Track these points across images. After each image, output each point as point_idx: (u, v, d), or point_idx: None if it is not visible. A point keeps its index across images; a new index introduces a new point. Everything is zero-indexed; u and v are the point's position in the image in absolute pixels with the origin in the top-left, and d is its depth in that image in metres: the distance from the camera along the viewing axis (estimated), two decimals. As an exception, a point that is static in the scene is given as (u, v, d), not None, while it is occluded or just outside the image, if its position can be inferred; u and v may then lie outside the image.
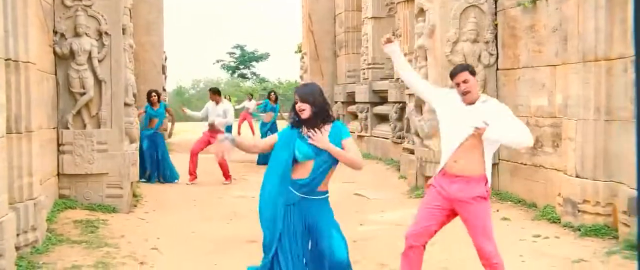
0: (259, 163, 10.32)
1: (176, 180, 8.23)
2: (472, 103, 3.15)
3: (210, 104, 8.70)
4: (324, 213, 2.82)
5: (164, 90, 13.69)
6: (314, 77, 14.00)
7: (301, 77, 15.60)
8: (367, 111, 11.45)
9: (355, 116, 12.29)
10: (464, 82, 3.13)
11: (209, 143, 8.34)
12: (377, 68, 11.45)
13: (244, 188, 7.97)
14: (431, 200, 3.16)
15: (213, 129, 8.22)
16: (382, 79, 11.27)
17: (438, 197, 3.14)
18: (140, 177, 8.05)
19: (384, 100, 10.90)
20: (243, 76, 40.53)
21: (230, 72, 40.15)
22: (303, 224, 2.79)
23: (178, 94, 37.47)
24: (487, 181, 3.08)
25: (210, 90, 8.80)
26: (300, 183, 2.81)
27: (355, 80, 12.59)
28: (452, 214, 3.16)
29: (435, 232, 3.17)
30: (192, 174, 8.36)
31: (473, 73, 3.16)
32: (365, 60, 11.72)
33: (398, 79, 9.69)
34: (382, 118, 11.09)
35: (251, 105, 17.94)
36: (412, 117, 7.31)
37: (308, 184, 2.81)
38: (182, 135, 14.39)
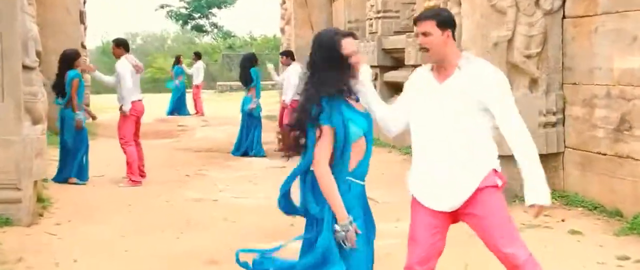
0: (239, 152, 10.44)
1: (84, 182, 8.00)
2: (443, 73, 3.24)
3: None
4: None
5: (84, 47, 13.44)
6: (300, 31, 13.86)
7: (282, 30, 15.43)
8: (375, 79, 11.49)
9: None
10: (424, 34, 3.21)
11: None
12: (390, 17, 11.46)
13: (202, 188, 7.97)
14: (425, 212, 3.28)
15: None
16: (396, 33, 11.26)
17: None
18: (59, 176, 7.95)
19: (399, 64, 10.91)
20: (199, 29, 40.18)
21: (181, 22, 39.75)
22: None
23: (104, 53, 36.96)
24: (496, 171, 3.24)
25: (113, 42, 8.34)
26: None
27: (359, 34, 12.54)
28: (453, 220, 3.33)
29: (443, 247, 3.31)
30: None
31: (445, 25, 3.21)
32: (373, 6, 11.73)
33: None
34: (397, 88, 11.04)
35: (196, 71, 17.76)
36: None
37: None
38: (105, 114, 14.18)
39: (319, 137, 2.99)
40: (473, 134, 3.18)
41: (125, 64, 8.03)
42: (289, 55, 10.98)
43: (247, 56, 10.97)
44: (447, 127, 3.18)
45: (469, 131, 3.17)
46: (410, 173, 3.36)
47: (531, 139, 3.24)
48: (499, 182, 3.22)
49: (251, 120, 10.49)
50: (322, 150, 2.99)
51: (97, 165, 8.56)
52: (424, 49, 3.25)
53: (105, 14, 48.00)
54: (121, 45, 8.21)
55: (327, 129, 2.98)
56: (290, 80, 10.08)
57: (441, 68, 3.26)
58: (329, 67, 3.02)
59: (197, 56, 18.40)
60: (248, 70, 10.37)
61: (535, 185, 3.18)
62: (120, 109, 8.06)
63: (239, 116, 10.78)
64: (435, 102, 3.21)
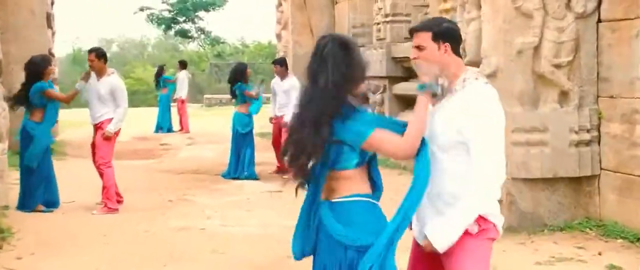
0: (230, 175, 10.45)
1: (51, 209, 7.97)
2: (437, 93, 3.21)
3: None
4: None
5: (52, 55, 13.42)
6: (299, 36, 13.86)
7: (278, 35, 15.43)
8: (383, 91, 11.49)
9: (364, 99, 12.19)
10: (418, 48, 3.20)
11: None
12: (400, 22, 11.46)
13: (187, 215, 7.94)
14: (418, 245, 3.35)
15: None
16: (407, 39, 11.13)
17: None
18: (23, 204, 7.89)
19: (410, 74, 10.92)
20: (184, 34, 40.23)
21: (163, 27, 39.84)
22: None
23: (75, 61, 37.08)
24: (482, 217, 3.14)
25: (90, 52, 8.25)
26: None
27: (365, 41, 12.61)
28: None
29: None
30: None
31: (443, 37, 3.18)
32: (380, 9, 11.74)
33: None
34: (409, 102, 11.03)
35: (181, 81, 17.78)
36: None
37: None
38: (74, 131, 14.19)
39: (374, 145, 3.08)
40: (461, 169, 3.12)
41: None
42: (283, 64, 10.94)
43: (235, 69, 10.99)
44: (439, 157, 3.16)
45: (457, 165, 3.13)
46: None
47: (484, 194, 3.10)
48: (474, 229, 3.12)
49: (243, 138, 10.47)
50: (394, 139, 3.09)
51: (67, 189, 8.52)
52: (416, 63, 3.24)
53: (76, 17, 48.20)
54: (103, 57, 8.22)
55: (377, 132, 3.08)
56: (290, 95, 10.04)
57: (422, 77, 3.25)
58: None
59: (182, 65, 18.39)
60: (232, 85, 10.43)
61: (444, 229, 3.10)
62: (98, 127, 8.04)
63: (230, 133, 10.77)
64: (431, 126, 3.19)
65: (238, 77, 10.52)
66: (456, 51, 3.20)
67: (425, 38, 3.17)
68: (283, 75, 10.70)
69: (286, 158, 3.15)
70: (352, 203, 3.11)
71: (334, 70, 3.07)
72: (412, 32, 3.26)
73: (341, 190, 3.13)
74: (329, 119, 3.03)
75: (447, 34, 3.18)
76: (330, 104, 3.03)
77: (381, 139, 3.05)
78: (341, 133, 3.05)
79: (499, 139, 3.10)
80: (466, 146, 3.08)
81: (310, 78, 3.11)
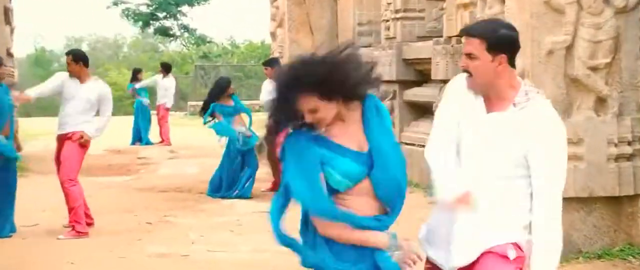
0: (214, 194, 10.52)
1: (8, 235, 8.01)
2: (494, 103, 3.25)
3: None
4: None
5: (10, 55, 13.43)
6: (296, 35, 13.87)
7: (272, 34, 15.48)
8: (393, 97, 11.52)
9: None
10: (468, 56, 3.23)
11: None
12: (412, 19, 11.52)
13: (168, 239, 7.96)
14: None
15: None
16: (420, 38, 11.30)
17: None
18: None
19: (424, 78, 10.98)
20: (165, 32, 40.37)
21: (141, 24, 39.96)
22: None
23: (37, 62, 37.22)
24: (517, 245, 3.25)
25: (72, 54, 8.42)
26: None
27: (372, 40, 12.63)
28: None
29: None
30: None
31: (499, 48, 3.19)
32: (390, 4, 11.78)
33: (451, 38, 9.63)
34: (422, 109, 11.10)
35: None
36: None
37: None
38: (37, 143, 14.22)
39: None
40: (511, 189, 3.22)
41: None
42: (275, 66, 10.85)
43: (219, 81, 11.16)
44: (484, 172, 3.22)
45: (507, 184, 3.22)
46: (428, 222, 3.44)
47: (559, 229, 3.25)
48: (511, 255, 3.22)
49: (244, 156, 10.51)
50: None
51: (28, 210, 8.53)
52: (466, 72, 3.27)
53: (39, 11, 48.27)
54: (82, 60, 8.30)
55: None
56: None
57: (493, 96, 3.28)
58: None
59: (166, 69, 18.30)
60: (212, 98, 10.62)
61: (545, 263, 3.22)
62: (66, 138, 8.09)
63: (218, 145, 10.80)
64: (479, 137, 3.24)
65: (219, 93, 10.67)
66: (512, 62, 3.24)
67: (478, 47, 3.19)
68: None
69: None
70: None
71: None
72: (462, 33, 3.29)
73: None
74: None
75: (503, 43, 3.21)
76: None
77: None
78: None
79: (565, 165, 3.24)
80: (525, 171, 3.18)
81: None
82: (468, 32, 3.27)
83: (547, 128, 3.19)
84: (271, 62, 11.21)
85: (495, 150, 3.22)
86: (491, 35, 3.19)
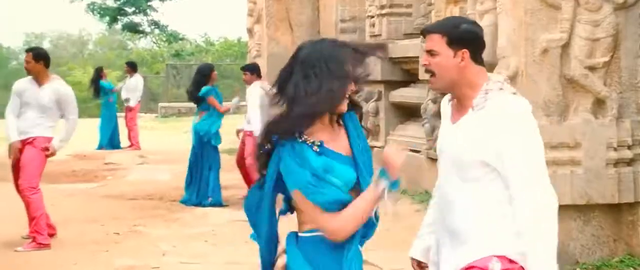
0: (191, 201, 10.56)
1: None
2: (459, 109, 3.31)
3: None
4: None
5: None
6: (275, 32, 13.87)
7: (249, 30, 15.46)
8: (378, 98, 11.58)
9: (356, 107, 12.24)
10: (429, 53, 3.28)
11: None
12: (399, 15, 11.55)
13: (138, 251, 7.94)
14: None
15: None
16: (407, 35, 11.33)
17: None
18: None
19: (411, 78, 11.02)
20: (134, 28, 40.21)
21: (108, 19, 39.81)
22: None
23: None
24: (499, 257, 3.22)
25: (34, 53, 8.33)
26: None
27: (356, 38, 12.63)
28: None
29: None
30: None
31: (460, 43, 3.24)
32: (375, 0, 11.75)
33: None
34: (409, 112, 11.13)
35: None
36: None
37: None
38: None
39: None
40: (481, 199, 3.22)
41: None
42: (254, 71, 10.86)
43: (201, 68, 11.02)
44: (454, 183, 3.25)
45: (476, 194, 3.22)
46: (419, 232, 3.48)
47: (550, 226, 3.21)
48: (495, 268, 3.20)
49: (207, 153, 10.47)
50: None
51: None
52: (428, 72, 3.30)
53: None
54: (43, 59, 8.22)
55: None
56: (254, 105, 9.98)
57: (457, 101, 3.32)
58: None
59: (132, 68, 18.29)
60: (199, 87, 10.44)
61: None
62: (27, 143, 8.01)
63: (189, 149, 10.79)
64: (446, 146, 3.30)
65: (206, 78, 10.56)
66: (476, 58, 3.26)
67: (438, 42, 3.24)
68: (250, 84, 10.69)
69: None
70: (317, 238, 3.14)
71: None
72: (423, 33, 3.32)
73: (306, 221, 3.17)
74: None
75: (465, 38, 3.24)
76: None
77: (301, 203, 3.09)
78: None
79: (541, 162, 3.20)
80: (495, 174, 3.17)
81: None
82: (427, 29, 3.32)
83: (505, 127, 3.17)
84: (251, 68, 11.07)
85: (458, 159, 3.24)
86: (452, 30, 3.24)
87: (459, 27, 3.26)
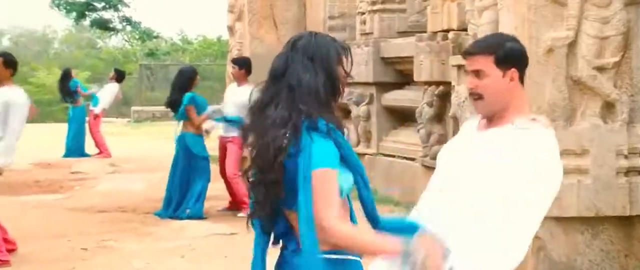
0: (168, 214, 10.55)
1: None
2: (490, 123, 3.35)
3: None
4: None
5: None
6: (258, 31, 13.88)
7: (230, 28, 15.48)
8: (369, 101, 11.62)
9: (345, 112, 12.30)
10: (475, 73, 3.32)
11: None
12: (392, 11, 11.63)
13: (106, 267, 7.99)
14: None
15: None
16: (401, 34, 11.40)
17: None
18: None
19: (404, 79, 11.08)
20: (104, 25, 40.25)
21: (75, 15, 39.81)
22: None
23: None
24: None
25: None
26: None
27: (346, 36, 12.69)
28: None
29: None
30: None
31: (509, 62, 3.28)
32: (366, -7, 11.80)
33: (436, 33, 9.69)
34: (402, 115, 11.20)
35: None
36: (468, 114, 7.27)
37: None
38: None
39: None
40: (486, 219, 3.22)
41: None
42: (245, 66, 10.82)
43: (184, 70, 11.01)
44: (454, 197, 3.27)
45: (483, 212, 3.22)
46: None
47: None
48: None
49: (195, 164, 10.45)
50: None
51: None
52: (475, 96, 3.31)
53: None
54: (12, 67, 8.14)
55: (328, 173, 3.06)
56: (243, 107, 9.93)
57: (492, 119, 3.35)
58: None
59: (119, 76, 18.33)
60: (180, 94, 10.38)
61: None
62: None
63: (168, 158, 10.76)
64: (462, 155, 3.32)
65: (189, 82, 10.53)
66: (522, 78, 3.31)
67: (485, 63, 3.26)
68: (241, 81, 10.68)
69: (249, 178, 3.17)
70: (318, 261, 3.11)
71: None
72: (466, 54, 3.36)
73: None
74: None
75: (514, 56, 3.28)
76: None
77: (324, 183, 3.04)
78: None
79: (543, 212, 3.25)
80: (498, 201, 3.19)
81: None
82: (471, 51, 3.34)
83: (535, 160, 3.20)
84: (241, 62, 10.96)
85: (474, 167, 3.26)
86: (498, 49, 3.27)
87: (504, 45, 3.29)
